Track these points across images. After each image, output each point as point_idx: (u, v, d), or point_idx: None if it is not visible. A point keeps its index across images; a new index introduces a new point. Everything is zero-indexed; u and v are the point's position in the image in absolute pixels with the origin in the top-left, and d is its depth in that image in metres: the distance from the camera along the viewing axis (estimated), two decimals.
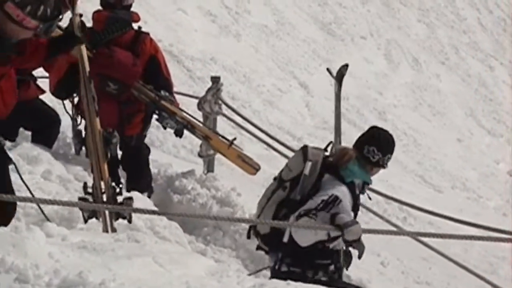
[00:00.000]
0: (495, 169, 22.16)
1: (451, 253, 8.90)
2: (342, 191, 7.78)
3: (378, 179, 9.26)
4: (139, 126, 10.17)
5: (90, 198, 8.26)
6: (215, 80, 10.73)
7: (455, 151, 22.11)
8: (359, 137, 8.12)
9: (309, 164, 7.85)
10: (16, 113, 10.38)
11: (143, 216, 8.56)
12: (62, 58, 9.95)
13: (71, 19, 7.65)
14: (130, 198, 7.88)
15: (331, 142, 8.64)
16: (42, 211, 7.75)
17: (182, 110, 10.50)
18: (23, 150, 9.20)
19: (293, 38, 23.19)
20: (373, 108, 21.90)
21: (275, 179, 8.08)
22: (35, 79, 10.41)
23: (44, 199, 7.59)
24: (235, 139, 10.73)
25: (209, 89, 10.59)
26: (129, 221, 7.88)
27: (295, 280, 7.22)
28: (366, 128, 20.73)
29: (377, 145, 7.94)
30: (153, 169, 11.11)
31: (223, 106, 10.68)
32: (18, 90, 10.17)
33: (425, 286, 10.70)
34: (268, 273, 9.65)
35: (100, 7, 10.23)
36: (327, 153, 8.12)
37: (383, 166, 7.96)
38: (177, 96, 10.44)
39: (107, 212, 9.19)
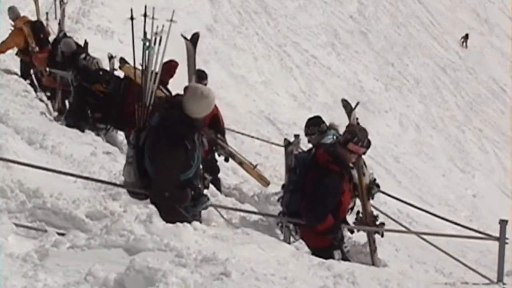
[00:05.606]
0: (465, 193, 21.93)
1: (438, 243, 8.68)
2: None
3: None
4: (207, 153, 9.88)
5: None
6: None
7: (441, 181, 21.87)
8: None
9: None
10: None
11: (251, 218, 8.51)
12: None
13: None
14: None
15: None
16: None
17: (228, 146, 10.66)
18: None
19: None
20: (391, 155, 21.65)
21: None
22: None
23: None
24: (257, 164, 11.01)
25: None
26: None
27: None
28: (387, 167, 20.07)
29: None
30: (258, 190, 11.01)
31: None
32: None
33: (422, 264, 10.49)
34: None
35: None
36: None
37: None
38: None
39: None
